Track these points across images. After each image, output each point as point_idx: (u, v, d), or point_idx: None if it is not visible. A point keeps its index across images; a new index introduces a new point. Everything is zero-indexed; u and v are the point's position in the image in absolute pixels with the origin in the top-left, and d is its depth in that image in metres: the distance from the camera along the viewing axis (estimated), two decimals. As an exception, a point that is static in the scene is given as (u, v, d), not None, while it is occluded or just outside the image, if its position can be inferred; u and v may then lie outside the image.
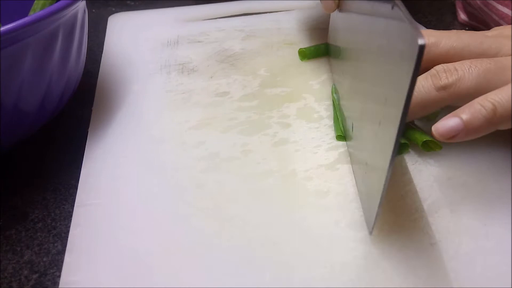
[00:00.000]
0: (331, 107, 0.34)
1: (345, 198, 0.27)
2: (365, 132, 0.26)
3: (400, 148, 0.29)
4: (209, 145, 0.31)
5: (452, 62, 0.26)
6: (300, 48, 0.40)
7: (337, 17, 0.37)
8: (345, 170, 0.29)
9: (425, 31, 0.28)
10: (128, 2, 0.55)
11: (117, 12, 0.51)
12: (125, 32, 0.46)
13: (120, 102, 0.36)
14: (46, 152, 0.33)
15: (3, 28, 0.24)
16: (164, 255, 0.25)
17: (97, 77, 0.40)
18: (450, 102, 0.26)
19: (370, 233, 0.24)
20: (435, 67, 0.26)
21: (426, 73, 0.27)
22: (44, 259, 0.26)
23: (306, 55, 0.40)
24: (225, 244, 0.25)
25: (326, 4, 0.36)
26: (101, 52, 0.44)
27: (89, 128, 0.34)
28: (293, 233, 0.25)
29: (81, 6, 0.30)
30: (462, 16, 0.48)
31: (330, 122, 0.33)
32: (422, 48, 0.18)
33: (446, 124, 0.24)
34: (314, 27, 0.44)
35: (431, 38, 0.27)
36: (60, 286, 0.24)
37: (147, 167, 0.30)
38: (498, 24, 0.41)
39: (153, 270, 0.24)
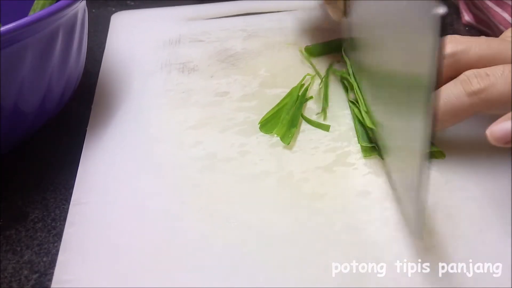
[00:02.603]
0: (330, 108, 0.34)
1: (341, 201, 0.27)
2: (393, 121, 0.26)
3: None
4: (207, 145, 0.31)
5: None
6: (306, 46, 0.40)
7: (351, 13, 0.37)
8: (342, 172, 0.28)
9: (453, 38, 0.27)
10: (128, 2, 0.55)
11: (117, 12, 0.51)
12: (128, 31, 0.47)
13: (120, 101, 0.36)
14: (46, 152, 0.33)
15: (3, 28, 0.24)
16: (157, 254, 0.24)
17: (97, 77, 0.40)
18: (481, 108, 0.25)
19: (419, 238, 0.23)
20: (464, 73, 0.25)
21: (455, 79, 0.26)
22: (44, 259, 0.26)
23: (312, 52, 0.40)
24: (219, 244, 0.25)
25: (333, 13, 0.36)
26: (101, 52, 0.44)
27: (88, 126, 0.34)
28: (287, 235, 0.25)
29: (81, 6, 0.30)
30: (467, 17, 0.47)
31: (329, 123, 0.32)
32: (441, 17, 0.17)
33: (503, 127, 0.22)
34: (317, 27, 0.44)
35: (459, 45, 0.26)
36: (53, 284, 0.24)
37: (143, 166, 0.30)
38: (501, 28, 0.41)
39: (146, 270, 0.24)
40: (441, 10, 0.18)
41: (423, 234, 0.23)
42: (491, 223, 0.25)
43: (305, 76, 0.37)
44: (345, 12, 0.36)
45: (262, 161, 0.30)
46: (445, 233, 0.24)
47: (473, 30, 0.47)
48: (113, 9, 0.51)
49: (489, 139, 0.23)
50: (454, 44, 0.27)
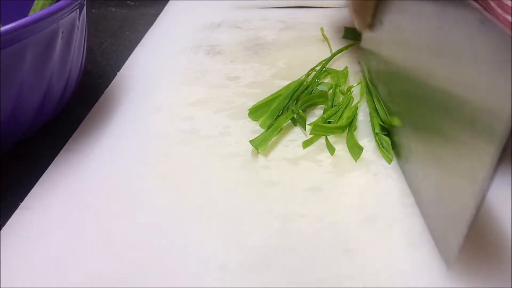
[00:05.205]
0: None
1: (289, 192, 0.27)
2: (433, 153, 0.24)
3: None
4: (196, 121, 0.33)
5: None
6: (346, 27, 0.43)
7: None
8: (305, 166, 0.29)
9: None
10: (128, 2, 0.55)
11: (117, 12, 0.51)
12: (178, 14, 0.51)
13: (142, 72, 0.40)
14: (46, 152, 0.33)
15: (3, 28, 0.24)
16: (111, 206, 0.26)
17: (97, 78, 0.40)
18: None
19: (449, 268, 0.21)
20: None
21: None
22: (44, 259, 0.25)
23: (348, 35, 0.42)
24: (165, 208, 0.26)
25: (359, 24, 0.36)
26: (101, 52, 0.44)
27: (108, 88, 0.37)
28: (227, 212, 0.26)
29: (81, 6, 0.30)
30: None
31: None
32: None
33: None
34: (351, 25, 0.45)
35: None
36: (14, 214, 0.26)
37: (133, 131, 0.32)
38: None
39: (99, 219, 0.26)
40: None
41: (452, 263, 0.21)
42: (423, 242, 0.23)
43: (310, 70, 0.37)
44: (371, 25, 0.36)
45: (237, 143, 0.31)
46: (369, 240, 0.23)
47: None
48: (113, 9, 0.51)
49: None
50: None
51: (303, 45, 0.43)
